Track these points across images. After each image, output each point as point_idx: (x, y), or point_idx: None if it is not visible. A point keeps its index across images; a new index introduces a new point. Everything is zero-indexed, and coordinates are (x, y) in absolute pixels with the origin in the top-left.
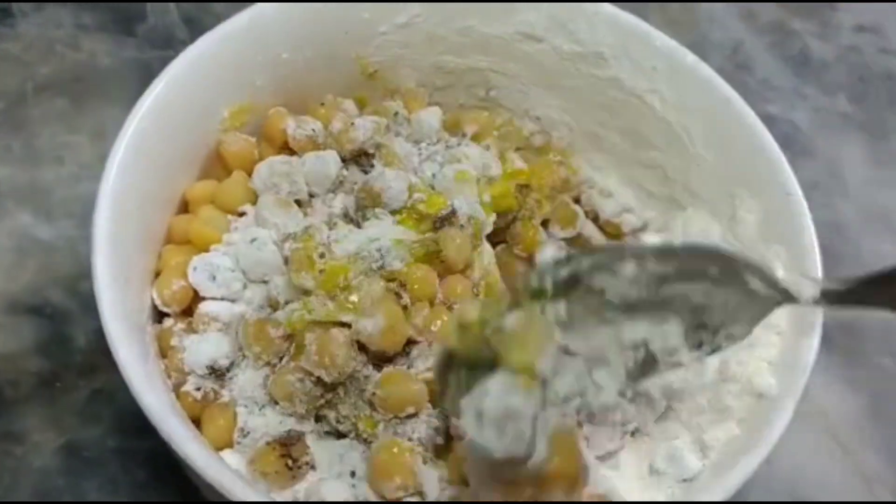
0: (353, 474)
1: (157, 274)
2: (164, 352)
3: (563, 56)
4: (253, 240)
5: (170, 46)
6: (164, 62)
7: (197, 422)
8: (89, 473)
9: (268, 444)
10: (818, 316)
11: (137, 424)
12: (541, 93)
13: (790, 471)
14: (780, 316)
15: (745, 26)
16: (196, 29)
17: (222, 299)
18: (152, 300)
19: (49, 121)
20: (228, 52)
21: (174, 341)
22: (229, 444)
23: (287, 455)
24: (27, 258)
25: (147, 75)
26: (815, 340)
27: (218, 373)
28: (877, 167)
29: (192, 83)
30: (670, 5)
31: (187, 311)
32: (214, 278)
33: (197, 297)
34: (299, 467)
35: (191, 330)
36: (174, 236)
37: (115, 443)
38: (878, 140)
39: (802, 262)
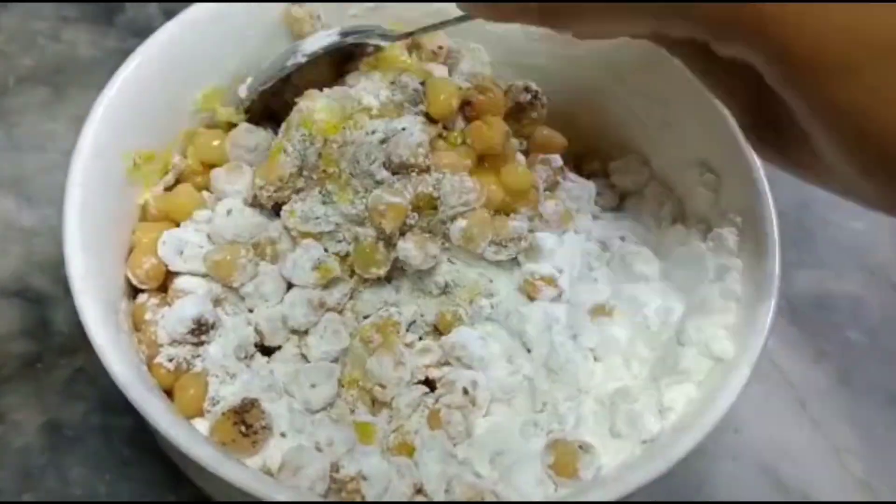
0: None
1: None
2: (138, 327)
3: (530, 37)
4: (229, 211)
5: (149, 36)
6: None
7: (169, 393)
8: (71, 451)
9: (223, 413)
10: (774, 282)
11: (119, 402)
12: (509, 74)
13: (760, 442)
14: (737, 283)
15: None
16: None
17: (189, 274)
18: (126, 277)
19: (30, 110)
20: (198, 35)
21: (148, 315)
22: (200, 413)
23: (241, 422)
24: (9, 244)
25: None
26: (770, 304)
27: (203, 329)
28: None
29: (164, 64)
30: None
31: (162, 288)
32: (182, 253)
33: (171, 274)
34: (255, 432)
35: (164, 304)
36: (150, 214)
37: (98, 420)
38: None
39: (759, 227)
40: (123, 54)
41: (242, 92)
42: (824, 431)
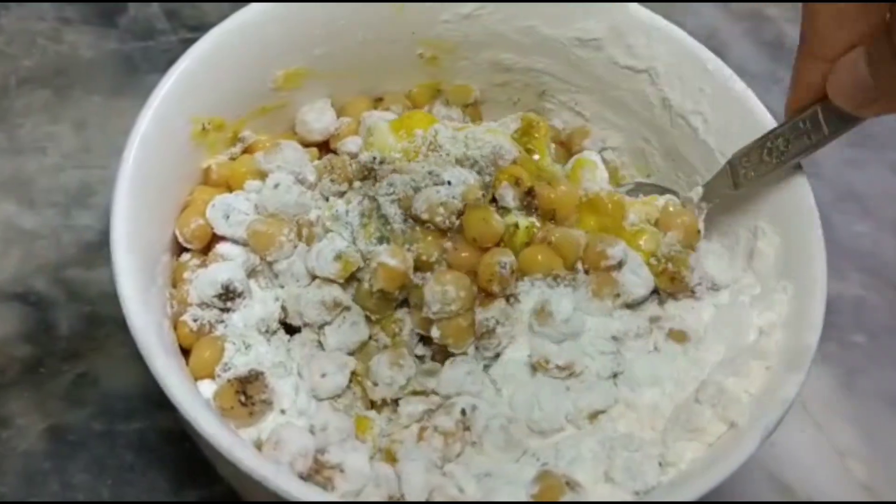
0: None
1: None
2: (175, 283)
3: (619, 67)
4: (276, 185)
5: (151, 38)
6: (146, 53)
7: (187, 353)
8: (74, 456)
9: (228, 381)
10: (809, 356)
11: (123, 407)
12: (592, 103)
13: (763, 445)
14: (773, 349)
15: (721, 14)
16: (177, 20)
17: (232, 241)
18: (175, 234)
19: (32, 112)
20: (284, 17)
21: (186, 274)
22: (210, 376)
23: (242, 392)
24: (11, 247)
25: (128, 66)
26: (800, 377)
27: (230, 295)
28: (849, 148)
29: (248, 37)
30: None
31: (206, 250)
32: (228, 217)
33: (216, 238)
34: (254, 404)
35: (203, 266)
36: (212, 179)
37: (101, 426)
38: None
39: (806, 302)
40: (125, 56)
41: None
42: (827, 434)
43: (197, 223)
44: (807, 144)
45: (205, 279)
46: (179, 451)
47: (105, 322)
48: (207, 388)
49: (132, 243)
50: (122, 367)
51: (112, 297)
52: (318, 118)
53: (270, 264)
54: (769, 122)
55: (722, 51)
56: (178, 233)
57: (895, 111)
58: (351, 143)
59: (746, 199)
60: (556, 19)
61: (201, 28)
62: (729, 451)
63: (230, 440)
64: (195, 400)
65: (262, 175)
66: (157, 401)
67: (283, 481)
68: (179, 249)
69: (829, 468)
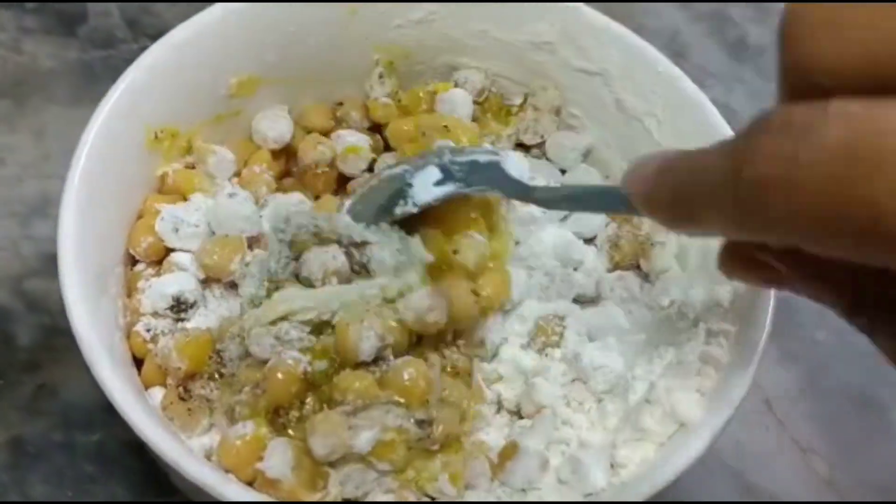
0: None
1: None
2: (129, 293)
3: (572, 69)
4: (231, 194)
5: (111, 46)
6: (106, 62)
7: (140, 362)
8: (35, 467)
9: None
10: (757, 353)
11: (83, 418)
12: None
13: (726, 443)
14: (723, 350)
15: (683, 14)
16: (138, 29)
17: (182, 251)
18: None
19: None
20: (236, 23)
21: (140, 283)
22: (162, 383)
23: (183, 387)
24: None
25: (89, 75)
26: (748, 376)
27: (182, 306)
28: None
29: (201, 45)
30: None
31: (162, 259)
32: (177, 230)
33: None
34: (192, 398)
35: (157, 275)
36: (167, 186)
37: (61, 437)
38: None
39: (755, 300)
40: (85, 65)
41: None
42: (791, 432)
43: (147, 241)
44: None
45: (156, 291)
46: (140, 462)
47: (65, 333)
48: (155, 393)
49: (80, 255)
50: (82, 378)
51: None
52: (273, 125)
53: None
54: (720, 123)
55: (684, 52)
56: (131, 250)
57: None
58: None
59: None
60: (507, 23)
61: (162, 36)
62: (677, 451)
63: (174, 447)
64: (139, 407)
65: (211, 183)
66: (117, 412)
67: (228, 488)
68: (134, 258)
69: (792, 466)
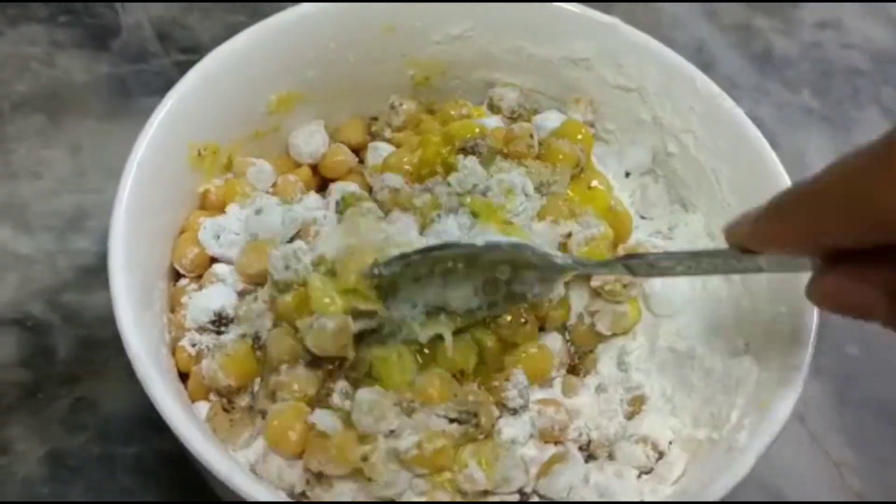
0: None
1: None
2: (173, 309)
3: (609, 86)
4: (258, 211)
5: (143, 61)
6: (139, 77)
7: (187, 377)
8: (74, 481)
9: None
10: (801, 375)
11: (121, 431)
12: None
13: (759, 458)
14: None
15: (709, 26)
16: (169, 43)
17: (225, 261)
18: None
19: (26, 137)
20: (276, 41)
21: (184, 299)
22: (206, 398)
23: (227, 398)
24: (7, 272)
25: (121, 89)
26: (792, 399)
27: (223, 321)
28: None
29: (241, 63)
30: (636, 6)
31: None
32: (218, 237)
33: (213, 259)
34: (234, 409)
35: (199, 289)
36: (210, 202)
37: (99, 450)
38: (841, 132)
39: (800, 314)
40: (118, 79)
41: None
42: (823, 446)
43: (193, 252)
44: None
45: (198, 306)
46: (177, 474)
47: (102, 345)
48: (201, 407)
49: (130, 268)
50: (119, 391)
51: (109, 321)
52: (308, 141)
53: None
54: (757, 138)
55: (711, 64)
56: (176, 264)
57: None
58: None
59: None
60: (544, 39)
61: (194, 50)
62: (724, 473)
63: (222, 460)
64: (190, 422)
65: (249, 192)
66: (155, 424)
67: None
68: (176, 274)
69: (824, 479)
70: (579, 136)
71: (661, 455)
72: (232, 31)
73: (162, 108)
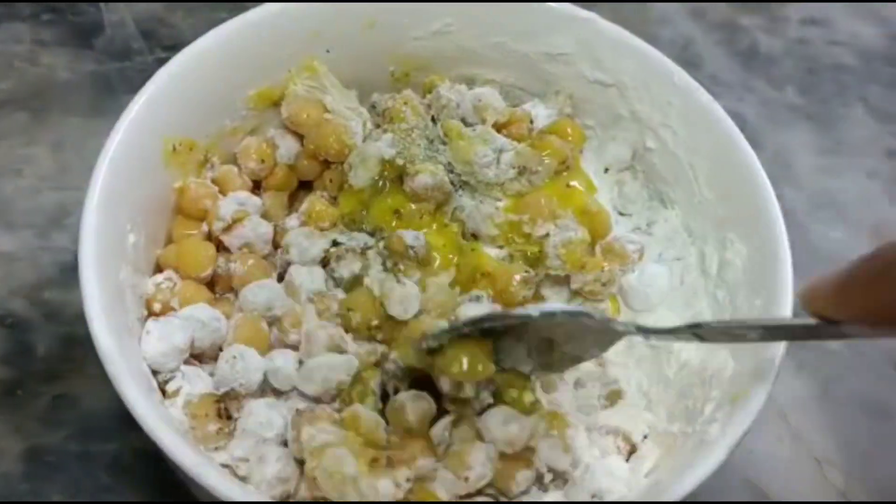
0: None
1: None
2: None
3: (588, 81)
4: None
5: (127, 58)
6: (123, 74)
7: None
8: (52, 478)
9: (210, 393)
10: (773, 368)
11: (100, 428)
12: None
13: (740, 453)
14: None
15: (695, 24)
16: (153, 40)
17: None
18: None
19: (9, 134)
20: (255, 35)
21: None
22: None
23: (223, 404)
24: None
25: (105, 87)
26: (765, 390)
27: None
28: (824, 156)
29: (218, 59)
30: (622, 5)
31: None
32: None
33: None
34: (230, 418)
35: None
36: (188, 197)
37: (78, 447)
38: (826, 129)
39: (776, 306)
40: (101, 77)
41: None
42: (806, 443)
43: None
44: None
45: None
46: (155, 472)
47: (82, 343)
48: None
49: (101, 265)
50: (99, 388)
51: None
52: (283, 140)
53: None
54: (735, 133)
55: (696, 61)
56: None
57: None
58: None
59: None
60: (524, 35)
61: (178, 48)
62: (696, 464)
63: (194, 458)
64: (162, 421)
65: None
66: (134, 421)
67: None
68: (152, 270)
69: (807, 476)
70: (569, 131)
71: (633, 448)
72: (215, 28)
73: (136, 102)
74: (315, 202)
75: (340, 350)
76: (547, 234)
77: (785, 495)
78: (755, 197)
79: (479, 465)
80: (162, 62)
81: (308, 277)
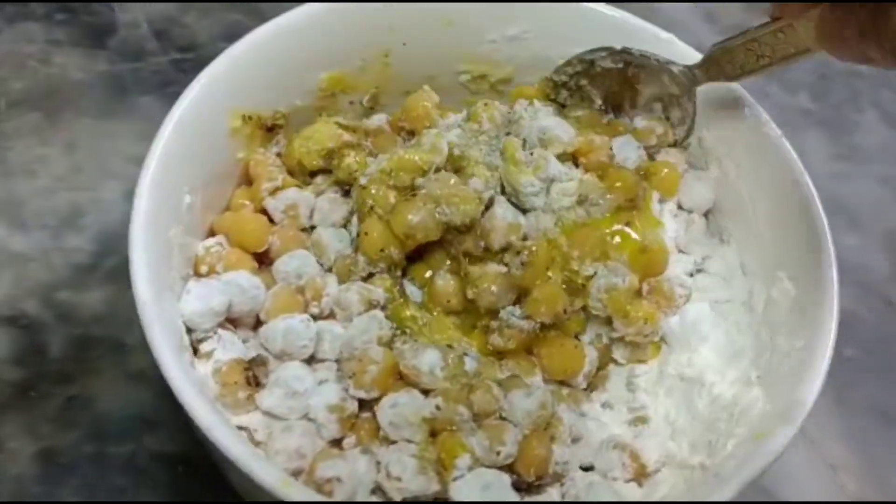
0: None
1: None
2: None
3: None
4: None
5: (140, 59)
6: (136, 75)
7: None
8: (66, 479)
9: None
10: (805, 407)
11: (114, 430)
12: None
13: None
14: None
15: (707, 28)
16: (166, 41)
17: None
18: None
19: (22, 134)
20: (336, 19)
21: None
22: None
23: (250, 370)
24: (1, 270)
25: (118, 88)
26: (791, 431)
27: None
28: (838, 161)
29: (295, 38)
30: (631, 6)
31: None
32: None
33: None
34: (258, 384)
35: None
36: (252, 171)
37: (92, 448)
38: (839, 135)
39: (815, 352)
40: (115, 78)
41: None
42: (820, 449)
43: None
44: (790, 53)
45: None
46: (170, 474)
47: (96, 344)
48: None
49: (151, 220)
50: (112, 389)
51: (103, 319)
52: None
53: None
54: (799, 172)
55: None
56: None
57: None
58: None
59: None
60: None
61: (191, 49)
62: (703, 496)
63: (212, 419)
64: (184, 374)
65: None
66: (149, 422)
67: (293, 490)
68: (206, 234)
69: (821, 483)
70: (664, 172)
71: (642, 469)
72: (229, 29)
73: (211, 67)
74: None
75: (373, 304)
76: (594, 274)
77: (799, 501)
78: (811, 238)
79: (510, 444)
80: (175, 63)
81: (335, 236)
